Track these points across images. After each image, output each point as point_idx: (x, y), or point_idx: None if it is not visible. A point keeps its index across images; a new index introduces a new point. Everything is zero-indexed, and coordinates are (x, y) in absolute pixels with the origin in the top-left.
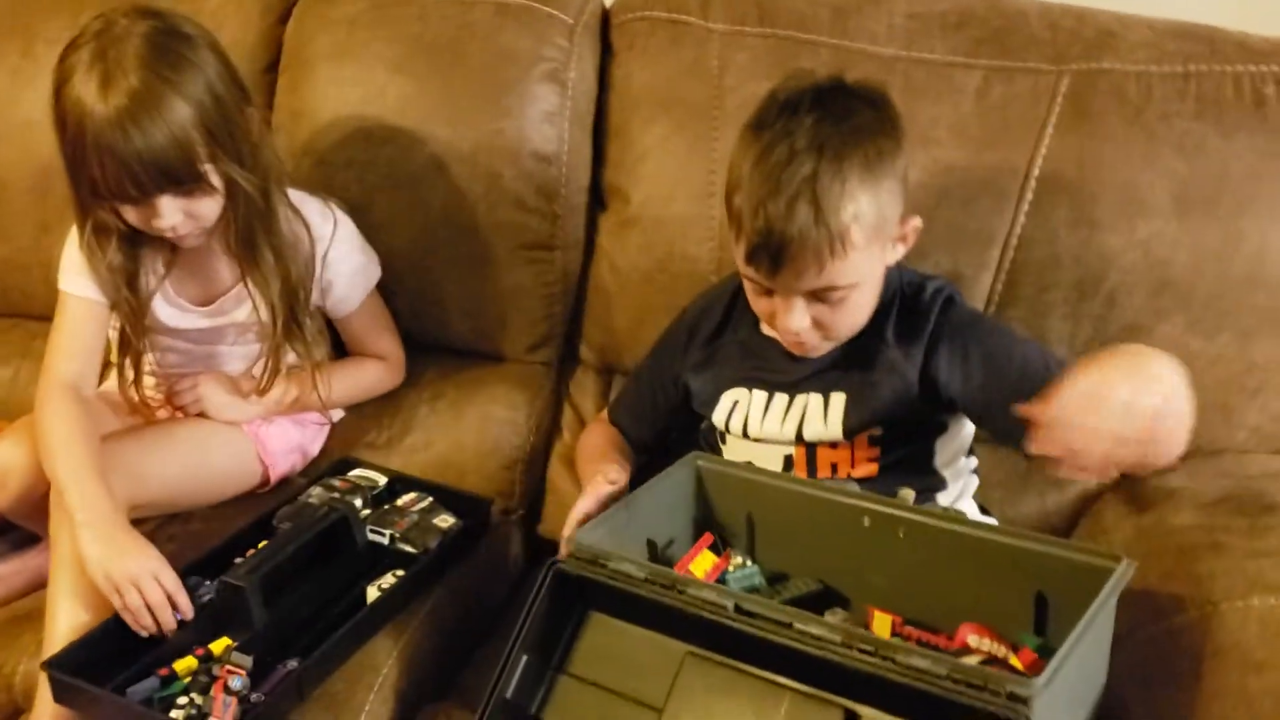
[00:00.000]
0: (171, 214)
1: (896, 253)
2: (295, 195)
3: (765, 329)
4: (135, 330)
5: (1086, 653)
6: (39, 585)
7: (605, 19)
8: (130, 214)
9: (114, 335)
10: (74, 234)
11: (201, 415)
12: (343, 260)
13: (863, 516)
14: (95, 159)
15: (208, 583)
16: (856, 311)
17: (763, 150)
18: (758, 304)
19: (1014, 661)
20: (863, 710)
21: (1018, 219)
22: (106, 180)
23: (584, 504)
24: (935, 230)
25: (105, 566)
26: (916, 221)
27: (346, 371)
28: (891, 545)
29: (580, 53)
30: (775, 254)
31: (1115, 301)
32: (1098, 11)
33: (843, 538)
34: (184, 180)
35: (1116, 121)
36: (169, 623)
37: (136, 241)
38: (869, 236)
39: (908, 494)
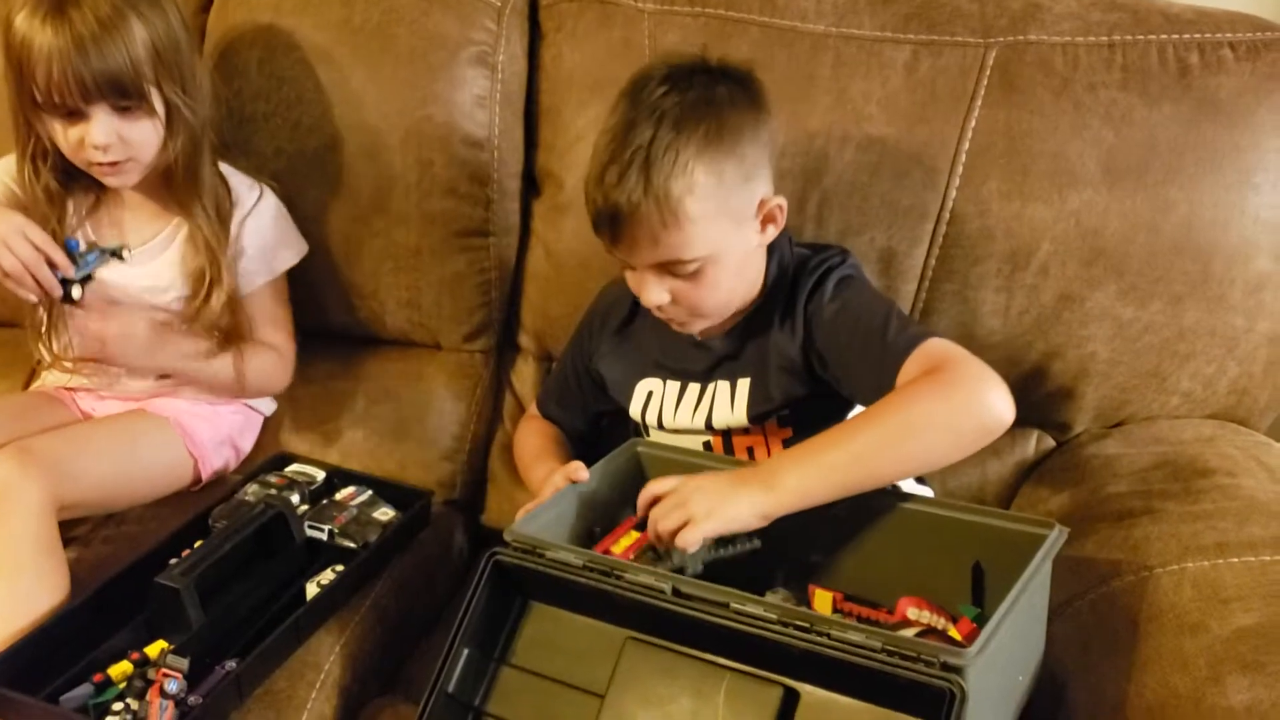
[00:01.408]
0: (106, 131)
1: (766, 235)
2: (225, 168)
3: (660, 317)
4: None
5: (1021, 620)
6: None
7: (534, 1)
8: (65, 135)
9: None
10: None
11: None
12: (257, 233)
13: None
14: (43, 62)
15: (92, 252)
16: (717, 288)
17: (613, 124)
18: (629, 279)
19: (952, 632)
20: (802, 688)
21: (949, 193)
22: (51, 85)
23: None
24: (869, 206)
25: None
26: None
27: (237, 349)
28: (831, 523)
29: (509, 35)
30: (611, 223)
31: (1048, 272)
32: None
33: (783, 517)
34: (128, 93)
35: (1044, 93)
36: (48, 279)
37: (70, 174)
38: (708, 210)
39: None
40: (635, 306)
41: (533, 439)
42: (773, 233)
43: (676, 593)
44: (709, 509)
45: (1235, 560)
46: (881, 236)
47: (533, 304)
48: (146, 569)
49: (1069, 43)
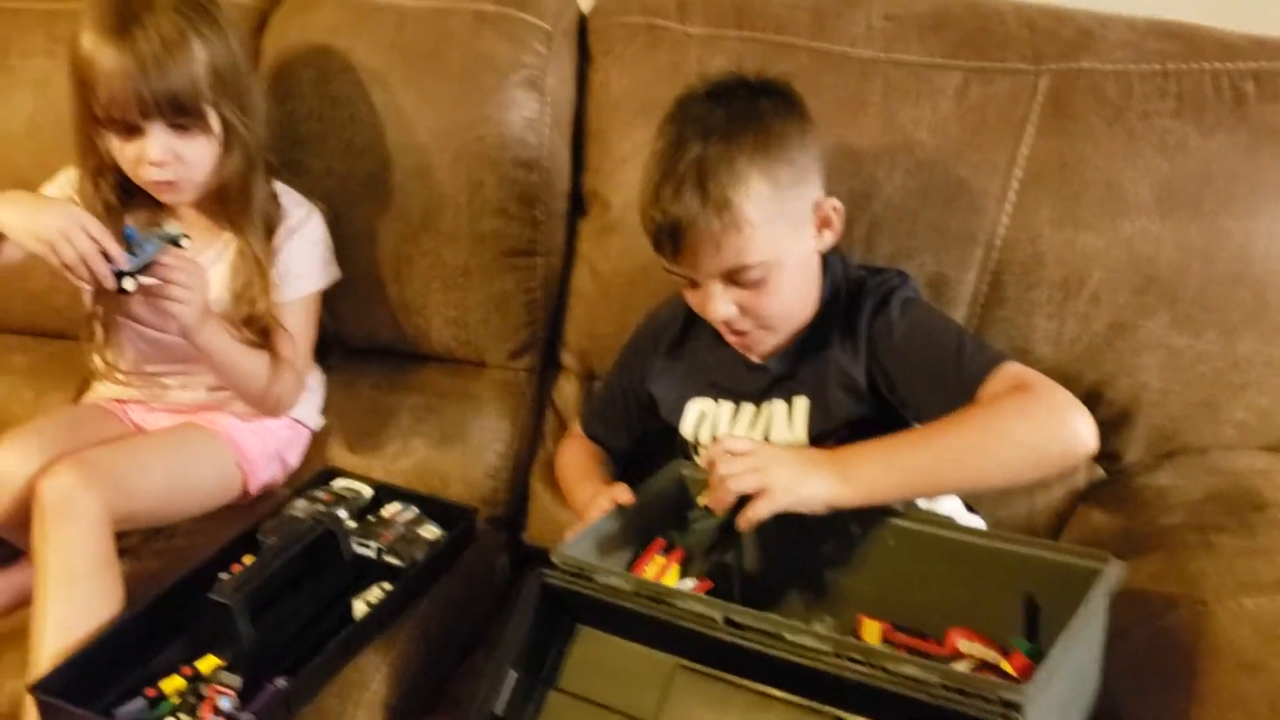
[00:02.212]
0: (162, 148)
1: (824, 240)
2: (279, 186)
3: (728, 337)
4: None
5: (1078, 655)
6: (22, 604)
7: (582, 24)
8: (123, 151)
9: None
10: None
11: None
12: (297, 250)
13: (851, 524)
14: (105, 79)
15: (150, 241)
16: (782, 295)
17: (663, 143)
18: (690, 298)
19: (1005, 666)
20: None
21: (1000, 218)
22: (112, 101)
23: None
24: (918, 231)
25: (31, 227)
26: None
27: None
28: (880, 552)
29: (558, 58)
30: (672, 237)
31: (1100, 300)
32: (1075, 11)
33: (831, 544)
34: (186, 110)
35: (1097, 121)
36: (103, 271)
37: (128, 191)
38: (767, 213)
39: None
40: (686, 328)
41: (577, 458)
42: (830, 238)
43: (729, 622)
44: (787, 485)
45: None
46: (931, 261)
47: (577, 323)
48: (197, 583)
49: (1122, 71)
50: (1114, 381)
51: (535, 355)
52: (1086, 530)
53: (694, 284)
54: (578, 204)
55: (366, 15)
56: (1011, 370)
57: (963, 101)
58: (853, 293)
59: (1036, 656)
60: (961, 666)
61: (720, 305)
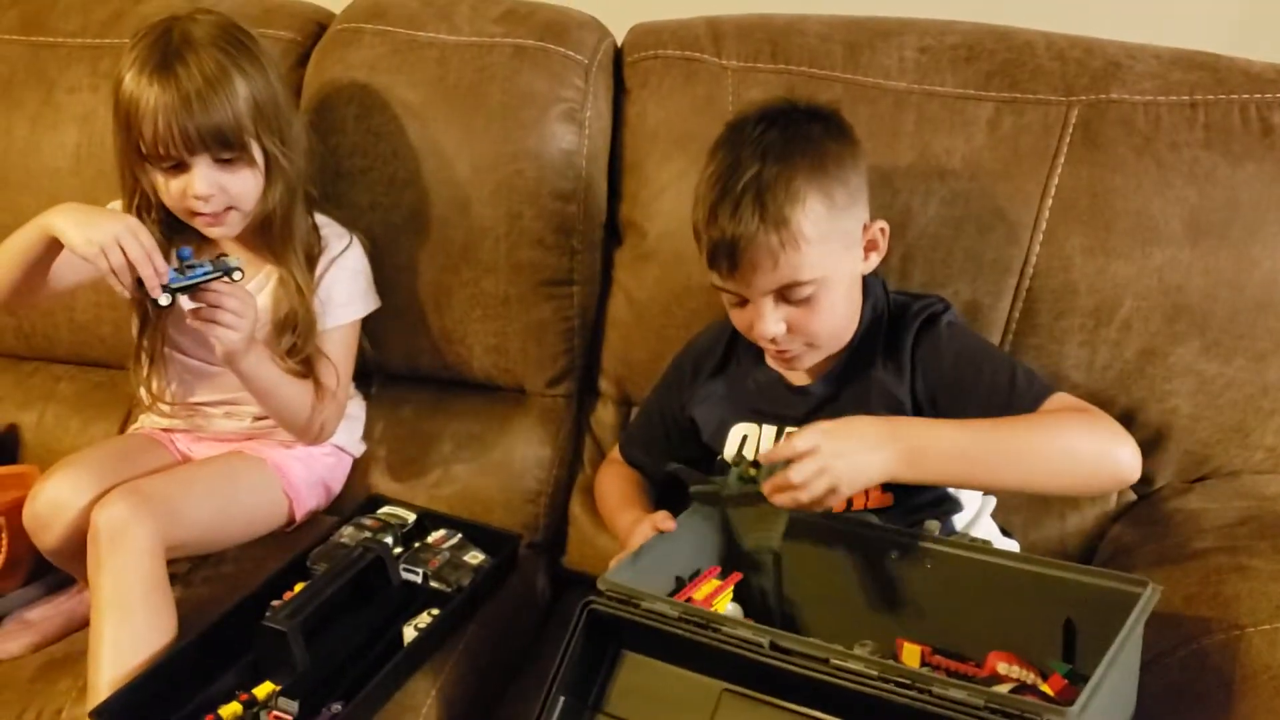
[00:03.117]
0: (208, 181)
1: (870, 262)
2: (320, 218)
3: (769, 361)
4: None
5: (1117, 678)
6: (73, 629)
7: (618, 58)
8: (168, 187)
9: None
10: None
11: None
12: (336, 280)
13: (890, 549)
14: (150, 116)
15: (202, 265)
16: (831, 314)
17: (717, 167)
18: (737, 319)
19: (1044, 688)
20: None
21: (1033, 247)
22: (157, 137)
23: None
24: (953, 260)
25: (86, 233)
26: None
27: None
28: (919, 576)
29: (596, 92)
30: (730, 253)
31: (1131, 327)
32: (1105, 42)
33: (869, 568)
34: (230, 144)
35: (1126, 151)
36: (149, 276)
37: (172, 226)
38: (822, 231)
39: (933, 525)
40: (728, 354)
41: (617, 484)
42: (875, 260)
43: (774, 646)
44: (852, 478)
45: None
46: (966, 289)
47: (614, 350)
48: (249, 610)
49: (1150, 101)
50: (1145, 407)
51: (573, 382)
52: (1119, 552)
53: (742, 302)
54: (614, 233)
55: (407, 51)
56: (1064, 400)
57: (995, 132)
58: (895, 315)
59: (1075, 679)
60: (1001, 689)
61: (770, 323)
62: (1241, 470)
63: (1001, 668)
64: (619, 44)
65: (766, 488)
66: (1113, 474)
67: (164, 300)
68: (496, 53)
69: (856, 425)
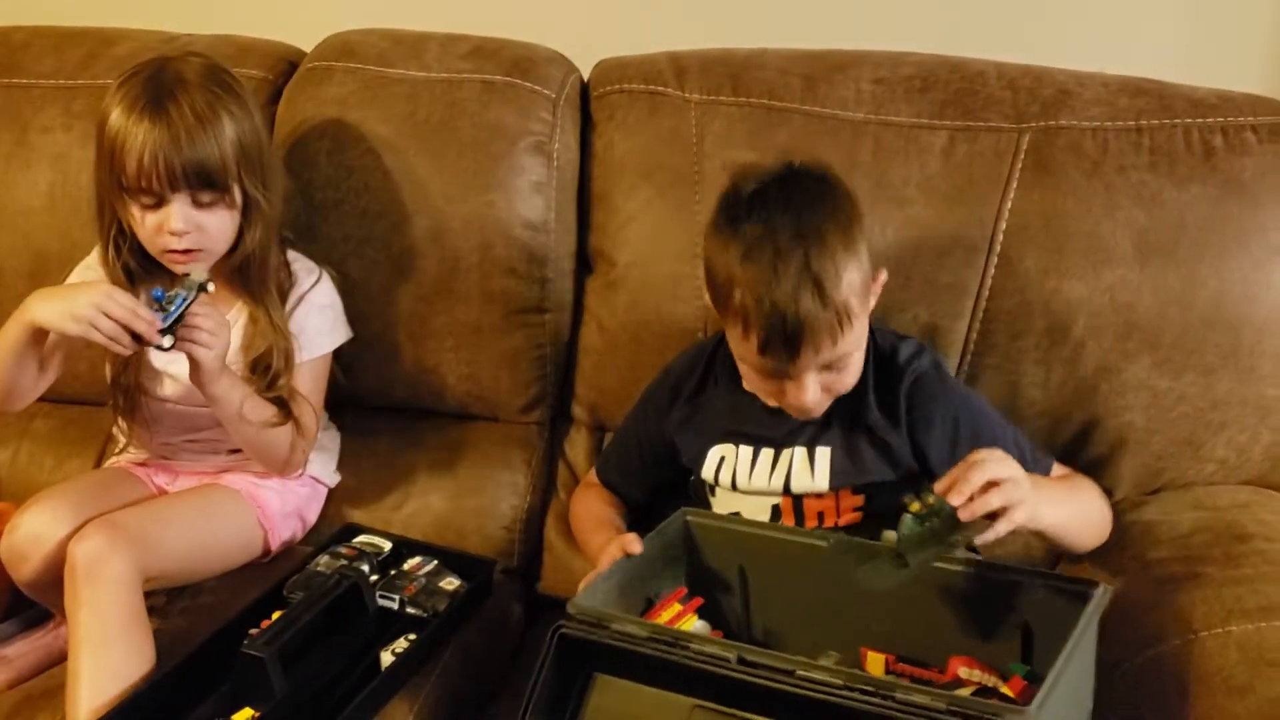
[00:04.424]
0: (184, 218)
1: (871, 305)
2: (291, 254)
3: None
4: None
5: (1074, 676)
6: (51, 664)
7: (585, 92)
8: (144, 221)
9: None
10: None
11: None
12: (305, 315)
13: (851, 562)
14: (137, 150)
15: (178, 296)
16: (857, 368)
17: (748, 248)
18: (762, 387)
19: (1005, 690)
20: None
21: (988, 271)
22: (142, 171)
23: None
24: (911, 284)
25: (67, 311)
26: (883, 275)
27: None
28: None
29: (564, 125)
30: (791, 341)
31: (1085, 345)
32: (1054, 71)
33: (832, 582)
34: (213, 184)
35: (1076, 175)
36: (146, 330)
37: (145, 266)
38: (862, 300)
39: (890, 536)
40: (704, 377)
41: (593, 507)
42: (872, 302)
43: (742, 661)
44: (1034, 513)
45: (1279, 623)
46: (924, 313)
47: (586, 377)
48: (227, 639)
49: (1099, 127)
50: (1101, 422)
51: (546, 409)
52: (1078, 564)
53: (773, 375)
54: (584, 262)
55: (378, 88)
56: (1061, 468)
57: (949, 159)
58: (881, 353)
59: (1034, 679)
60: (963, 693)
61: (813, 393)
62: (1195, 482)
63: (963, 672)
64: (585, 79)
65: (963, 504)
66: (1106, 537)
67: (166, 343)
68: (465, 88)
69: (1039, 480)
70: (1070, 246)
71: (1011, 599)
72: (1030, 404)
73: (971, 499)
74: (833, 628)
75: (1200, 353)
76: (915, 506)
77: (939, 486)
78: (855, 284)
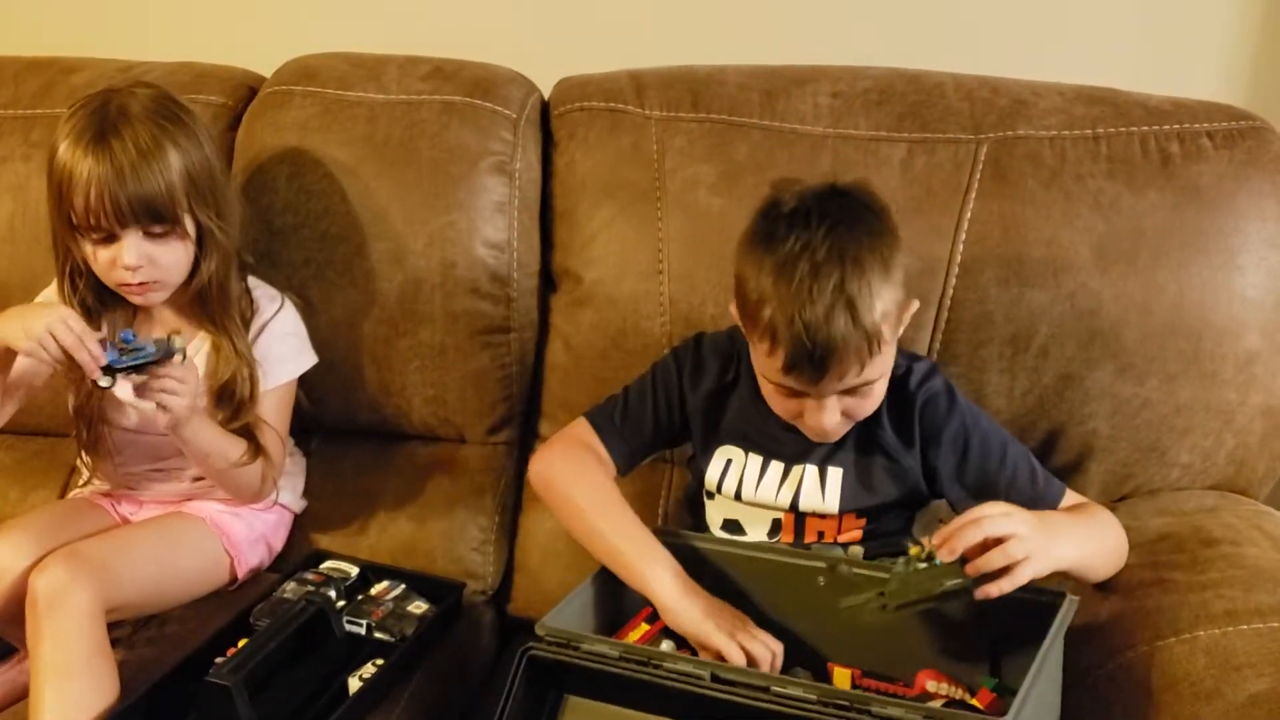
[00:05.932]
0: (136, 253)
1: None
2: (251, 280)
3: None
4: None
5: (1043, 687)
6: (14, 700)
7: (546, 111)
8: (97, 257)
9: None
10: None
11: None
12: (268, 342)
13: (817, 577)
14: (82, 187)
15: (148, 346)
16: (879, 396)
17: (782, 264)
18: (781, 405)
19: (974, 703)
20: None
21: (949, 280)
22: (89, 208)
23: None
24: None
25: (23, 328)
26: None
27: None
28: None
29: (524, 144)
30: (819, 362)
31: (1048, 353)
32: (1010, 81)
33: (801, 597)
34: (162, 217)
35: (1035, 184)
36: (85, 361)
37: (104, 298)
38: (893, 328)
39: (857, 551)
40: (729, 376)
41: (602, 479)
42: (901, 330)
43: (715, 679)
44: (1042, 567)
45: (1245, 627)
46: None
47: (554, 394)
48: (192, 669)
49: (1056, 136)
50: (1066, 430)
51: (514, 429)
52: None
53: (795, 394)
54: (549, 280)
55: (337, 111)
56: (1074, 498)
57: (908, 171)
58: (896, 373)
59: (1002, 692)
60: (934, 705)
61: (832, 417)
62: (1161, 487)
63: (931, 685)
64: (546, 97)
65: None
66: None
67: (104, 382)
68: (425, 109)
69: (1052, 520)
70: (1031, 255)
71: (978, 610)
72: (995, 413)
73: (966, 558)
74: (799, 644)
75: (1162, 358)
76: (915, 551)
77: (935, 539)
78: (889, 310)
